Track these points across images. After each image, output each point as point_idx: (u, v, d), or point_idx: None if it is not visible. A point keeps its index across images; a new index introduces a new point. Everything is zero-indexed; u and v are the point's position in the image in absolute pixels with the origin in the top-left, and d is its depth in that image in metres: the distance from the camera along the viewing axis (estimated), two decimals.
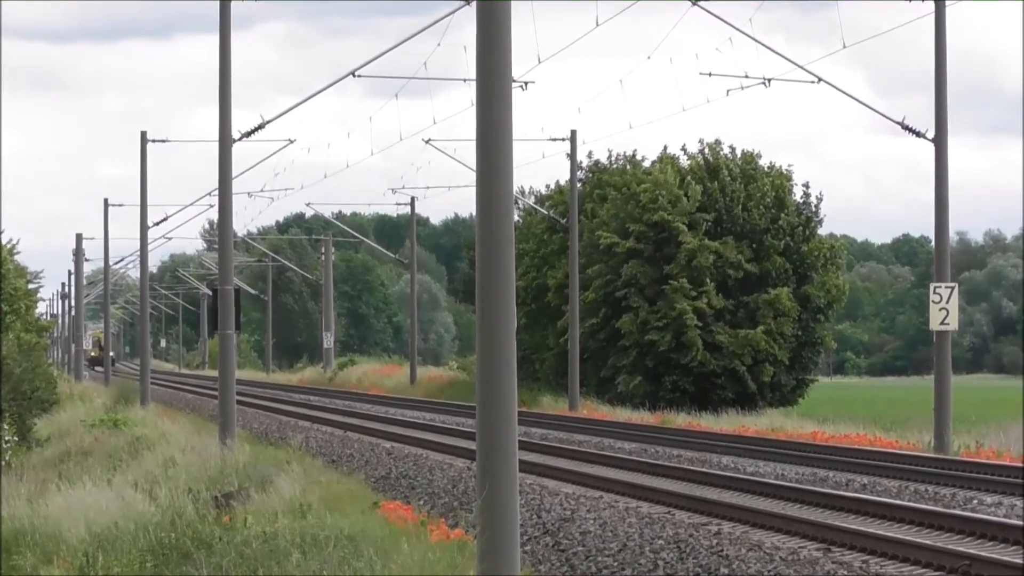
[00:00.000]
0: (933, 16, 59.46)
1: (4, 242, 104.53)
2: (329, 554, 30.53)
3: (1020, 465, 49.03)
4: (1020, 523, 33.55)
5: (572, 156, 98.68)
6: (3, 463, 63.44)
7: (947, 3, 59.19)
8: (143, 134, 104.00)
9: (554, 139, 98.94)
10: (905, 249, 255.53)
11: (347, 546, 31.34)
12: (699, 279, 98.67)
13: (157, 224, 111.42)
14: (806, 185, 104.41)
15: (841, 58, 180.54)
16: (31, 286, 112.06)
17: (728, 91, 68.88)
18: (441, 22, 59.51)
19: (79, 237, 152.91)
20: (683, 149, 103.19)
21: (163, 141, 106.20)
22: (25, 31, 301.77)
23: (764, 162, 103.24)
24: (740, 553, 29.24)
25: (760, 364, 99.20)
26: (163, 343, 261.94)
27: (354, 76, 66.24)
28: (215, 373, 71.08)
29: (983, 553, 29.02)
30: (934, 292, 60.44)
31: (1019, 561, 27.81)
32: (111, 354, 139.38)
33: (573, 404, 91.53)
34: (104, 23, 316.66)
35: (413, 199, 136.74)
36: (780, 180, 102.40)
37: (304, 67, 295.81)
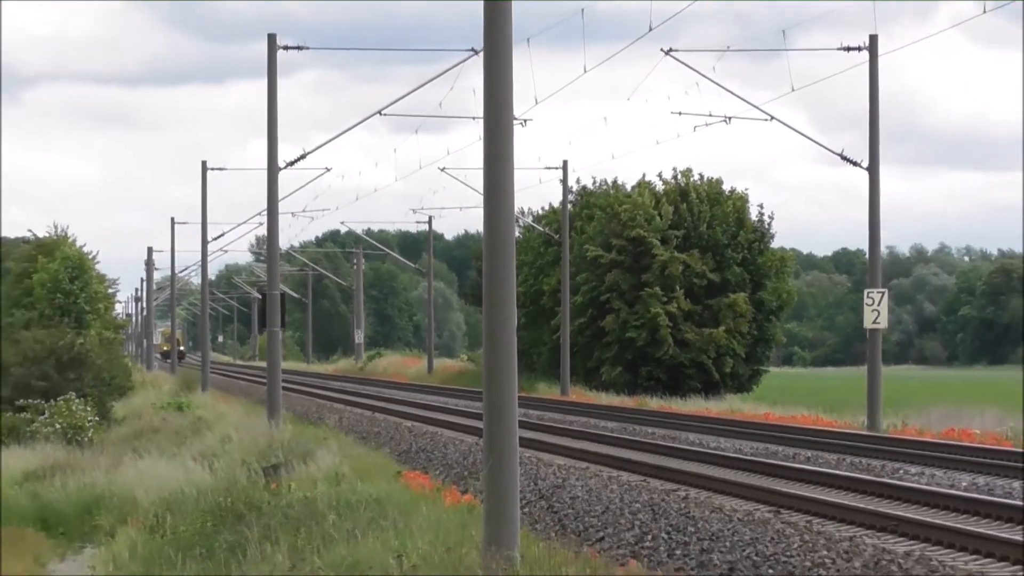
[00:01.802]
0: (867, 64, 59.44)
1: (87, 254, 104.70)
2: (360, 515, 30.50)
3: (945, 442, 49.00)
4: (940, 489, 33.61)
5: (564, 182, 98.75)
6: (85, 440, 63.33)
7: (879, 54, 59.24)
8: (203, 163, 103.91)
9: (549, 167, 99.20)
10: (843, 260, 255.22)
11: (375, 508, 31.32)
12: (670, 286, 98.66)
13: (215, 239, 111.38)
14: (760, 206, 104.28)
15: (789, 100, 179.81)
16: (109, 290, 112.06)
17: (695, 127, 68.92)
18: (453, 69, 59.56)
19: (150, 250, 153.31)
20: (659, 176, 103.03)
21: (220, 169, 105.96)
22: (101, 76, 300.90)
23: (726, 187, 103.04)
24: (704, 515, 29.21)
25: (721, 357, 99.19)
26: (220, 339, 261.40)
27: (380, 115, 66.22)
28: (264, 364, 70.90)
29: (908, 515, 28.99)
30: (868, 296, 60.45)
31: (939, 522, 27.82)
32: (180, 348, 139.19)
33: (564, 390, 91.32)
34: (168, 70, 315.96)
35: (430, 218, 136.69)
36: (739, 202, 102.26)
37: (336, 108, 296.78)
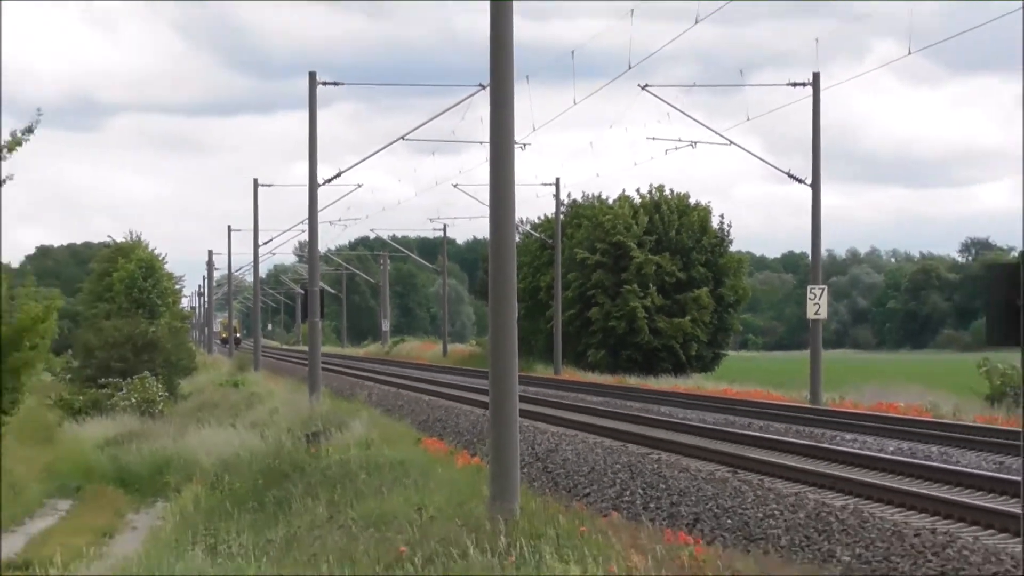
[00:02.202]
0: (811, 97, 59.45)
1: (157, 256, 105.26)
2: (386, 475, 30.55)
3: (875, 413, 49.04)
4: (870, 453, 33.65)
5: (556, 196, 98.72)
6: (156, 411, 63.33)
7: (821, 88, 59.23)
8: (255, 180, 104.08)
9: (544, 184, 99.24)
10: (790, 261, 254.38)
11: (399, 469, 31.36)
12: (645, 283, 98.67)
13: (265, 244, 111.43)
14: (721, 216, 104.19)
15: (746, 128, 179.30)
16: (176, 286, 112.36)
17: (667, 151, 68.85)
18: (464, 102, 59.53)
19: (210, 253, 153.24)
20: (636, 191, 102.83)
21: (269, 185, 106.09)
22: (168, 107, 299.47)
23: (692, 200, 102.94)
24: (674, 474, 29.24)
25: (688, 342, 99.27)
26: (270, 327, 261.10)
27: (403, 140, 66.17)
28: (306, 348, 70.86)
29: (844, 474, 29.12)
30: (810, 292, 60.49)
31: (870, 480, 27.85)
32: (236, 335, 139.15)
33: (557, 370, 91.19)
34: (225, 102, 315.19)
35: (444, 226, 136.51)
36: (703, 213, 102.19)
37: (366, 134, 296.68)
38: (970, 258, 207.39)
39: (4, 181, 40.73)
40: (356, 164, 69.19)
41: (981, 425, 42.04)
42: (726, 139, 66.42)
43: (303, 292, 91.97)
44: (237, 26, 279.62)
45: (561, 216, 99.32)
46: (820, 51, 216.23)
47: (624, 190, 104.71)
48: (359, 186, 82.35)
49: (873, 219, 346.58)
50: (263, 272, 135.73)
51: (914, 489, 26.44)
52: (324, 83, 58.42)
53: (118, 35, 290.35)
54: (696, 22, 38.52)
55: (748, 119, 63.49)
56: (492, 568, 18.74)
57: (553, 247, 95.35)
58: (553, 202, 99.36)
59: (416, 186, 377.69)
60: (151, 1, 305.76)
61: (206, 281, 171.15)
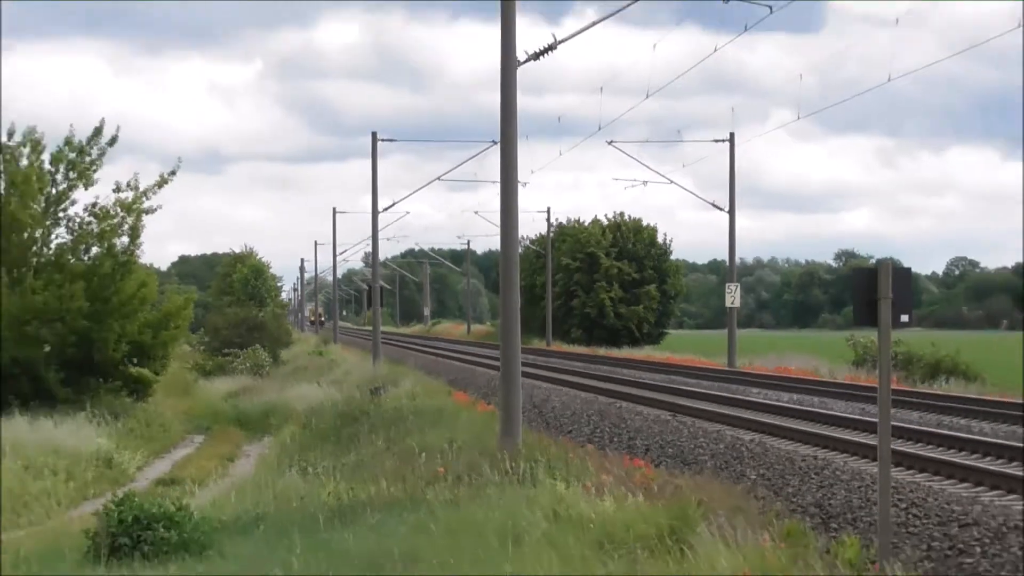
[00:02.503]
0: (728, 149, 59.34)
1: (264, 263, 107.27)
2: (426, 417, 30.57)
3: (775, 374, 49.07)
4: (770, 402, 33.75)
5: (548, 220, 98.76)
6: (263, 373, 63.43)
7: (736, 143, 59.12)
8: (334, 209, 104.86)
9: (539, 211, 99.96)
10: (714, 266, 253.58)
11: (435, 413, 31.39)
12: (610, 282, 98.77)
13: (341, 254, 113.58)
14: (665, 234, 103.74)
15: (683, 171, 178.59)
16: (278, 284, 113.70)
17: (625, 187, 69.04)
18: (482, 153, 59.81)
19: (302, 260, 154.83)
20: (604, 216, 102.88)
21: (344, 212, 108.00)
22: (271, 157, 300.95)
23: (644, 222, 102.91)
24: (631, 417, 29.20)
25: (641, 323, 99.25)
26: (344, 313, 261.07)
27: (439, 180, 66.85)
28: (370, 328, 70.93)
29: (752, 417, 29.04)
30: (728, 288, 60.46)
31: (769, 421, 27.81)
32: (321, 319, 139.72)
33: (548, 343, 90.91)
34: (313, 152, 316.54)
35: (468, 241, 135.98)
36: (651, 232, 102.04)
37: (412, 176, 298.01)
38: (841, 264, 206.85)
39: (153, 209, 40.91)
40: (405, 197, 71.46)
41: (848, 383, 41.98)
42: (668, 179, 66.47)
43: (367, 288, 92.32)
44: (322, 98, 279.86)
45: (551, 234, 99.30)
46: (735, 117, 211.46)
47: (596, 216, 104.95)
48: (407, 213, 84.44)
49: (772, 236, 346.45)
50: (340, 273, 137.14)
51: (801, 428, 26.42)
52: (383, 139, 58.39)
53: (236, 104, 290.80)
54: (647, 96, 38.44)
55: (684, 165, 66.52)
56: (502, 483, 18.78)
57: (545, 256, 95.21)
58: (545, 224, 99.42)
59: (448, 213, 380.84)
60: (261, 80, 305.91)
61: (299, 280, 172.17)
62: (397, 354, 70.03)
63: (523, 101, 24.64)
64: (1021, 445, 22.00)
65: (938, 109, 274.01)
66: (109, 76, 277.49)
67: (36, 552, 17.10)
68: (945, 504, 16.03)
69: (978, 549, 13.65)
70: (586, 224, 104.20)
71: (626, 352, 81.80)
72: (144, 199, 40.64)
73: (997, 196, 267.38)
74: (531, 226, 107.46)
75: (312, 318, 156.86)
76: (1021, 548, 13.36)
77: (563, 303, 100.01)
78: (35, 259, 39.38)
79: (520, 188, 24.70)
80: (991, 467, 19.76)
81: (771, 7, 24.51)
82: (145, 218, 40.64)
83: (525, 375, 30.90)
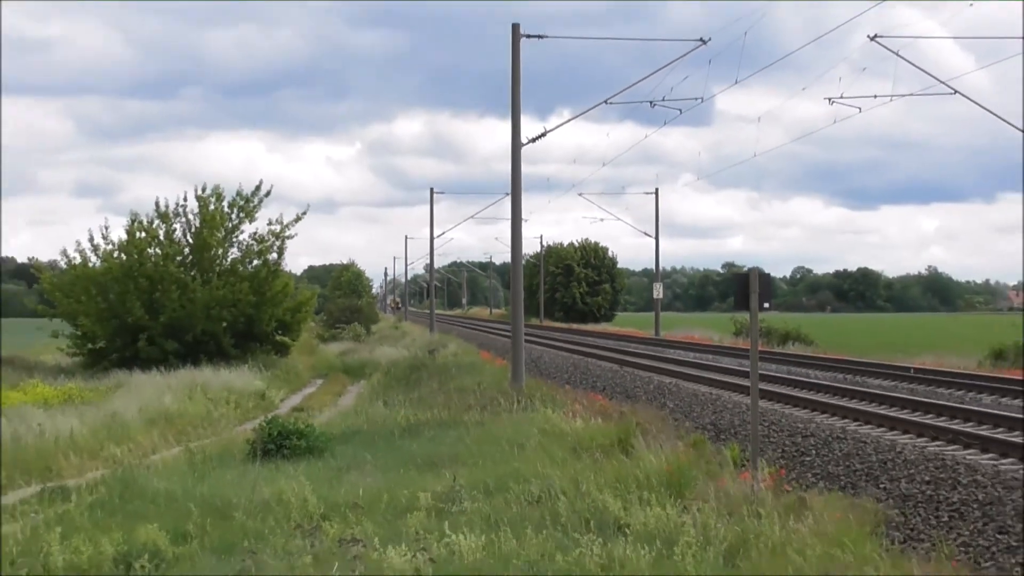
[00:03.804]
0: (655, 199, 59.14)
1: (362, 270, 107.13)
2: (464, 369, 30.44)
3: (685, 340, 48.77)
4: (683, 358, 33.52)
5: (540, 243, 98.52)
6: (361, 340, 63.31)
7: (660, 195, 58.95)
8: (405, 236, 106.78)
9: (535, 237, 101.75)
10: (648, 272, 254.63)
11: (469, 366, 31.32)
12: (580, 282, 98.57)
13: (411, 264, 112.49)
14: (614, 252, 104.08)
15: (625, 212, 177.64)
16: (370, 283, 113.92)
17: (591, 223, 70.64)
18: (497, 203, 59.78)
19: (385, 269, 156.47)
20: (577, 241, 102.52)
21: (412, 238, 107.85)
22: (367, 203, 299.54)
23: (602, 245, 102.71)
24: (595, 367, 29.08)
25: (600, 308, 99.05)
26: (412, 302, 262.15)
27: (472, 218, 67.22)
28: (427, 311, 70.79)
29: (670, 368, 28.85)
30: (654, 286, 60.28)
31: (682, 370, 27.61)
32: (399, 306, 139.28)
33: (541, 321, 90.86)
34: (390, 200, 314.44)
35: (490, 256, 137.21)
36: (605, 250, 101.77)
37: (453, 216, 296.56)
38: (725, 271, 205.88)
39: (292, 236, 40.91)
40: (450, 229, 72.21)
41: (731, 347, 41.78)
42: (617, 217, 67.32)
43: (427, 285, 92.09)
44: (398, 166, 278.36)
45: (543, 252, 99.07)
46: (658, 179, 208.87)
47: (571, 241, 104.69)
48: (452, 239, 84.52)
49: (683, 253, 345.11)
50: (408, 276, 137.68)
51: (702, 375, 26.24)
52: (437, 192, 58.49)
53: (343, 171, 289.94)
54: (603, 165, 38.63)
55: (626, 208, 65.24)
56: (511, 411, 18.77)
57: (539, 265, 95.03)
58: (539, 246, 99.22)
59: (477, 238, 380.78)
60: (359, 155, 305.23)
61: (384, 281, 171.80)
62: (445, 328, 69.93)
63: (525, 168, 24.59)
64: (843, 386, 22.00)
65: (785, 174, 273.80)
66: (264, 153, 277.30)
67: (216, 453, 17.09)
68: (792, 423, 15.98)
69: (813, 451, 13.63)
70: (564, 245, 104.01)
71: (590, 327, 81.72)
72: (286, 230, 40.68)
73: (821, 228, 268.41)
74: (530, 246, 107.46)
75: (392, 305, 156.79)
76: (843, 453, 13.33)
77: (550, 295, 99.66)
78: (218, 267, 39.35)
79: (523, 223, 24.66)
80: (822, 399, 19.71)
81: (680, 109, 24.51)
82: (287, 242, 40.77)
83: (526, 341, 30.86)
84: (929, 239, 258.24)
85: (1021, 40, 24.14)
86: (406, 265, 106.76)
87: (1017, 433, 14.63)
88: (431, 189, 58.29)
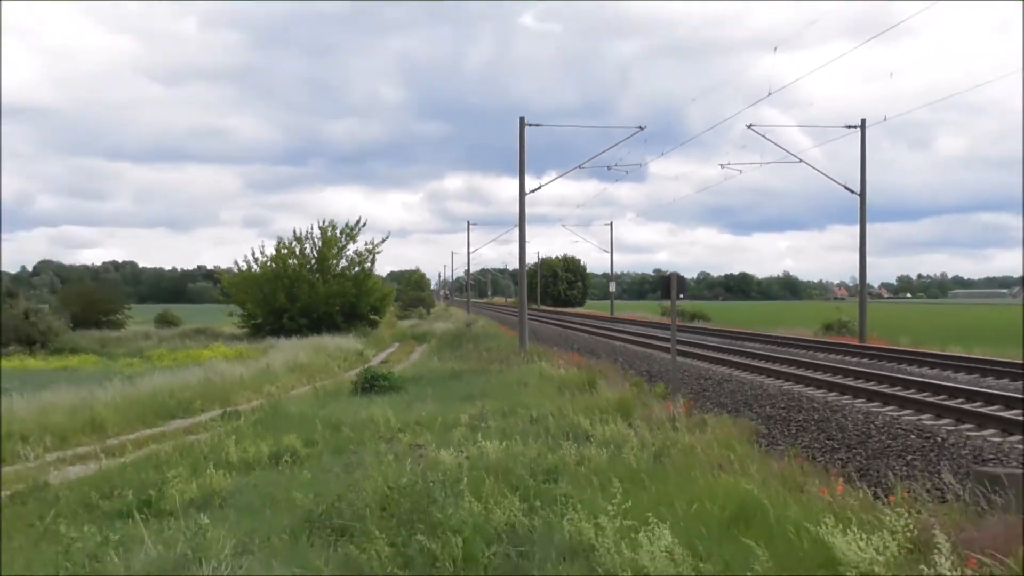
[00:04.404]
0: (610, 228, 58.75)
1: (424, 274, 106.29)
2: (491, 338, 30.14)
3: (631, 318, 48.11)
4: (630, 328, 32.80)
5: (538, 257, 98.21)
6: (423, 317, 62.84)
7: (614, 226, 58.59)
8: (451, 252, 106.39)
9: (535, 252, 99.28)
10: (606, 275, 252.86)
11: (493, 334, 31.01)
12: (562, 282, 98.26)
13: (455, 269, 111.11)
14: (583, 263, 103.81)
15: (593, 238, 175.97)
16: (429, 281, 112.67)
17: (570, 244, 69.55)
18: (509, 232, 59.09)
19: (438, 274, 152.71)
20: (561, 256, 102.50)
21: (456, 253, 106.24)
22: (423, 231, 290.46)
23: (578, 258, 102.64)
24: (573, 335, 28.85)
25: (575, 297, 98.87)
26: (457, 294, 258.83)
27: (494, 241, 66.41)
28: (463, 300, 70.47)
29: (620, 335, 28.36)
30: (610, 284, 59.86)
31: (628, 337, 26.85)
32: (448, 297, 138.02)
33: (538, 306, 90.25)
34: (442, 230, 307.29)
35: (506, 264, 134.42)
36: (577, 261, 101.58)
37: (482, 237, 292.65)
38: (655, 274, 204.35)
39: (379, 252, 40.92)
40: (480, 248, 70.07)
41: (658, 322, 41.26)
42: (586, 240, 66.77)
43: (465, 283, 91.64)
44: (447, 209, 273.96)
45: (539, 262, 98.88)
46: (613, 215, 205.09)
47: (558, 255, 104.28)
48: (481, 254, 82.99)
49: (628, 263, 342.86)
50: (453, 276, 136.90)
51: (640, 340, 25.77)
52: (472, 225, 57.93)
53: (413, 210, 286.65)
54: (577, 207, 38.47)
55: (594, 236, 63.74)
56: (519, 363, 18.71)
57: (537, 271, 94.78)
58: (536, 258, 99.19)
59: (498, 253, 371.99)
60: (421, 201, 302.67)
61: (438, 280, 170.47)
62: (476, 311, 69.74)
63: (527, 209, 24.52)
64: (729, 347, 21.80)
65: (692, 213, 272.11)
66: (361, 199, 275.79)
67: (331, 390, 17.11)
68: (697, 372, 15.84)
69: (711, 389, 13.48)
70: (553, 258, 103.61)
71: (569, 310, 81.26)
72: (375, 248, 40.90)
73: (716, 247, 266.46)
74: (530, 259, 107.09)
75: (443, 296, 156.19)
76: (729, 390, 13.31)
77: (544, 289, 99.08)
78: (332, 272, 39.62)
79: (527, 244, 24.59)
80: (716, 356, 19.48)
81: (627, 171, 24.50)
82: (376, 256, 41.00)
83: (528, 320, 30.74)
84: (784, 254, 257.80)
85: (855, 126, 24.02)
86: (452, 271, 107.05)
87: (840, 376, 14.61)
88: (468, 222, 58.84)
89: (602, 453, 7.76)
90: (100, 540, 4.88)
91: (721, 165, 24.68)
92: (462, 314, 63.81)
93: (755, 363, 17.57)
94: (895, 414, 10.31)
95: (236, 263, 39.73)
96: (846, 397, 11.83)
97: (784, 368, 16.41)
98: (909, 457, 8.18)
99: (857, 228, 24.47)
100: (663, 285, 11.81)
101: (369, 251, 40.38)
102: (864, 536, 4.17)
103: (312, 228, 40.48)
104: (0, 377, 18.89)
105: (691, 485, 6.15)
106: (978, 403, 10.86)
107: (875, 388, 12.51)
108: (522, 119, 23.15)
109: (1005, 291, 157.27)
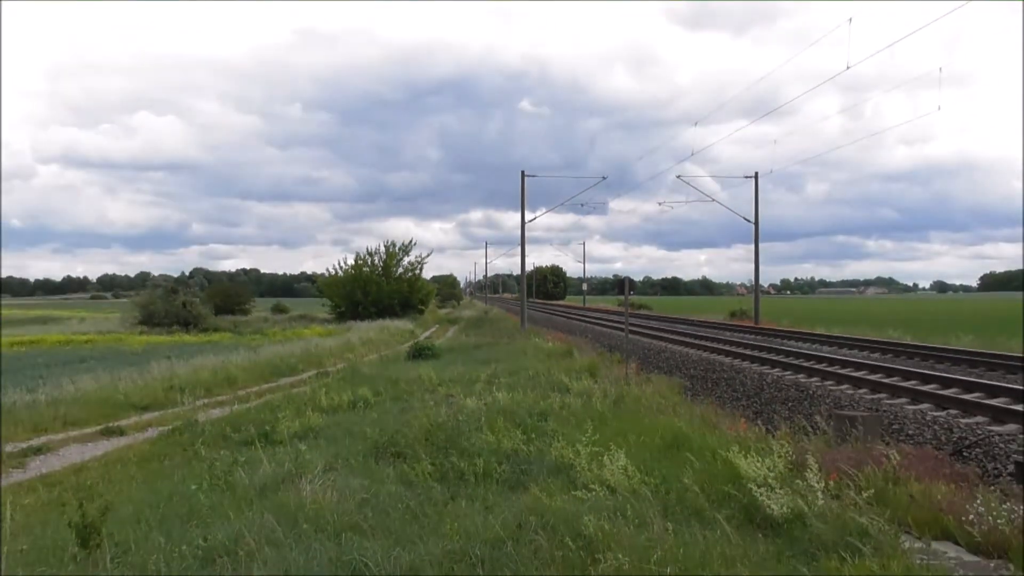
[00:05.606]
0: (583, 247, 58.12)
1: (456, 278, 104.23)
2: (502, 323, 29.17)
3: (598, 307, 47.02)
4: (594, 316, 31.41)
5: (534, 267, 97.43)
6: (455, 307, 61.61)
7: (585, 243, 57.67)
8: (474, 263, 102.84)
9: (531, 263, 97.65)
10: (580, 279, 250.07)
11: (503, 319, 30.07)
12: (549, 283, 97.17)
13: (477, 275, 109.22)
14: (565, 270, 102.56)
15: (573, 253, 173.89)
16: (460, 281, 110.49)
17: (555, 257, 68.44)
18: (513, 250, 57.85)
19: (466, 277, 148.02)
20: (549, 266, 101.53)
21: (477, 263, 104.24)
22: (456, 248, 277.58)
23: (562, 267, 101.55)
24: (562, 321, 28.05)
25: (558, 293, 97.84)
26: (480, 292, 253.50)
27: (504, 255, 65.53)
28: (483, 296, 69.01)
29: (591, 321, 27.25)
30: (583, 284, 58.88)
31: (599, 321, 25.96)
32: (473, 293, 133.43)
33: (534, 299, 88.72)
34: (470, 247, 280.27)
35: (511, 271, 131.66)
36: (561, 269, 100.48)
37: (494, 253, 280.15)
38: (614, 277, 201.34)
39: (425, 263, 40.51)
40: (494, 259, 68.78)
41: (616, 310, 39.65)
42: (566, 255, 65.94)
43: (484, 284, 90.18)
44: (473, 234, 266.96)
45: (534, 270, 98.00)
46: (585, 236, 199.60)
47: (549, 264, 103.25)
48: (495, 264, 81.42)
49: (595, 269, 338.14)
50: (477, 278, 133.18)
51: (604, 323, 24.97)
52: (489, 244, 57.44)
53: (448, 235, 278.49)
54: (560, 231, 37.94)
55: (571, 251, 62.89)
56: (521, 338, 18.50)
57: (534, 276, 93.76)
58: (532, 268, 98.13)
59: (506, 263, 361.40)
60: (456, 228, 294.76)
61: (466, 283, 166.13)
62: (491, 303, 68.86)
63: (527, 233, 24.12)
64: (666, 327, 21.34)
65: (640, 235, 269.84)
66: (413, 227, 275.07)
67: (392, 357, 16.95)
68: (644, 345, 15.52)
69: (654, 358, 13.30)
70: (543, 267, 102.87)
71: (554, 302, 79.80)
72: (423, 261, 41.14)
73: (655, 259, 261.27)
74: (528, 267, 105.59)
75: (469, 293, 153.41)
76: (666, 358, 13.20)
77: (537, 288, 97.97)
78: (392, 276, 39.75)
79: (526, 257, 24.15)
80: (658, 334, 19.05)
81: (594, 207, 24.47)
82: (423, 266, 41.06)
83: (529, 308, 29.67)
84: (703, 264, 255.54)
85: (751, 176, 23.82)
86: (475, 276, 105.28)
87: (741, 347, 14.42)
88: (485, 242, 59.61)
89: (577, 401, 7.74)
90: (232, 461, 5.26)
91: (659, 203, 24.85)
92: (482, 305, 62.78)
93: (683, 339, 17.24)
94: (780, 374, 10.23)
95: (327, 270, 41.23)
96: (746, 362, 11.76)
97: (702, 342, 16.13)
98: (790, 404, 8.26)
99: (752, 246, 24.32)
100: (619, 285, 11.72)
101: (418, 262, 40.68)
102: (760, 459, 4.41)
103: (379, 246, 41.23)
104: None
105: (639, 423, 6.23)
106: (836, 367, 10.84)
107: (765, 356, 12.40)
108: (523, 172, 23.32)
109: (854, 290, 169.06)
